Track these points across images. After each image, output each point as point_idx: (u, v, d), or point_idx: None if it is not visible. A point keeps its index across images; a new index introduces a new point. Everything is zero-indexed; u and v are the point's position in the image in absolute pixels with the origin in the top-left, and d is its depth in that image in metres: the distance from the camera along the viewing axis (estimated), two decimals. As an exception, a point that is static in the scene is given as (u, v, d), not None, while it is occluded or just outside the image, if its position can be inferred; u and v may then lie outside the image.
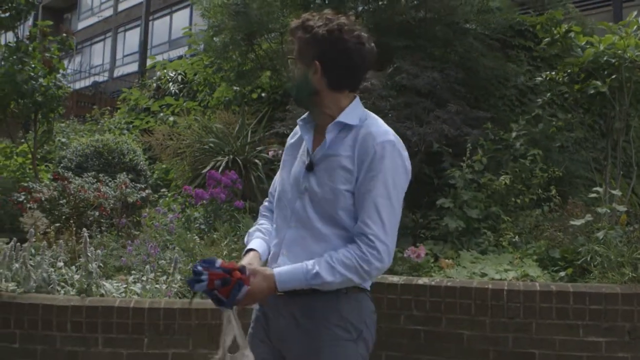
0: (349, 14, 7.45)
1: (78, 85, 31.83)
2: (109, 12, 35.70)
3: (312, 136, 2.33)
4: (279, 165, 6.70)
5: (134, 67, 30.10)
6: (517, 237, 5.67)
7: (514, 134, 6.64)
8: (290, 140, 2.46)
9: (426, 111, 6.49)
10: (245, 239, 2.43)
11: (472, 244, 5.71)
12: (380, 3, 8.14)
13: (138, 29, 28.52)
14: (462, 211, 5.85)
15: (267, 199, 2.57)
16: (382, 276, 4.95)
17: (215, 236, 5.54)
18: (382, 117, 6.43)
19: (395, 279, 4.85)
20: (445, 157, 6.34)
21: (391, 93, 6.47)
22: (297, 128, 2.42)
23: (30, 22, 11.39)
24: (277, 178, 2.49)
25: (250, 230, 2.47)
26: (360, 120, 2.29)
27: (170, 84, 11.11)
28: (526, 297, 4.47)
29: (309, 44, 2.24)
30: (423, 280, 4.77)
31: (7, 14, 8.51)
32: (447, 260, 5.24)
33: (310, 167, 2.27)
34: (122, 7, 34.89)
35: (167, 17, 31.55)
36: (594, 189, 5.74)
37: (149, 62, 16.90)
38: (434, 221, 6.06)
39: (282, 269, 2.16)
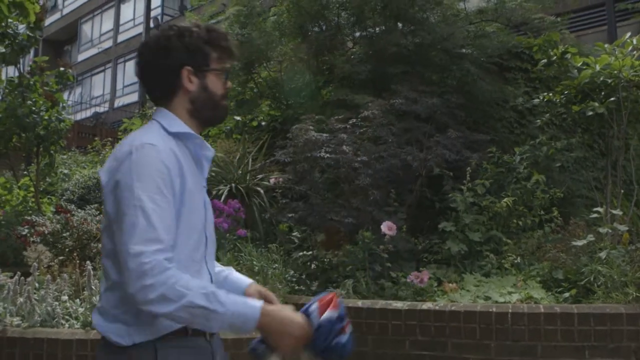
0: (347, 40, 7.54)
1: (79, 116, 32.00)
2: (108, 44, 36.02)
3: None
4: (280, 193, 6.70)
5: (134, 97, 30.30)
6: (519, 259, 5.68)
7: (518, 158, 6.67)
8: (179, 168, 1.92)
9: (426, 136, 6.54)
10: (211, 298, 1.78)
11: (475, 267, 5.72)
12: (376, 29, 8.24)
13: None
14: (464, 234, 5.86)
15: (157, 247, 1.76)
16: (386, 302, 4.96)
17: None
18: (383, 144, 6.44)
19: (399, 304, 4.85)
20: (446, 180, 6.37)
21: (390, 119, 6.53)
22: (175, 150, 1.94)
23: (31, 55, 11.51)
24: (167, 218, 1.82)
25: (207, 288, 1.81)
26: None
27: (171, 113, 11.16)
28: (531, 320, 4.47)
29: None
30: (427, 305, 4.77)
31: (9, 49, 8.60)
32: (450, 284, 5.25)
33: (208, 192, 2.15)
34: (121, 38, 35.21)
35: (167, 47, 31.81)
36: (595, 209, 5.76)
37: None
38: (437, 245, 6.07)
39: None
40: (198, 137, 2.03)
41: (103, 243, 1.93)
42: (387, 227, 5.63)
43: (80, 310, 4.94)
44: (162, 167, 1.84)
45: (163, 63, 2.00)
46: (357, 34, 8.55)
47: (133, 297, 1.74)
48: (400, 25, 8.05)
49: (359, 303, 5.00)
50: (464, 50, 7.43)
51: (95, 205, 7.71)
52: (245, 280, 2.25)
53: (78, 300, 5.17)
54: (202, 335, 1.95)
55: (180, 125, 2.00)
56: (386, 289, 5.33)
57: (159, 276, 1.72)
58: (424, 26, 7.62)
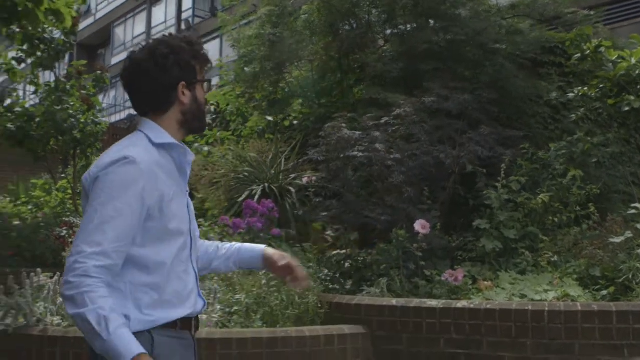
0: (378, 38, 7.53)
1: (114, 118, 32.44)
2: (141, 46, 36.44)
3: None
4: (313, 192, 6.73)
5: (167, 99, 30.53)
6: (556, 256, 5.61)
7: (553, 154, 6.58)
8: (157, 180, 2.04)
9: (458, 133, 6.50)
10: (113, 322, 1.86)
11: (510, 264, 5.66)
12: (407, 27, 8.20)
13: (170, 61, 28.98)
14: (499, 232, 5.81)
15: (95, 250, 1.90)
16: (420, 300, 4.95)
17: (253, 265, 5.57)
18: (416, 142, 6.41)
19: (433, 303, 4.84)
20: (479, 177, 6.32)
21: (423, 117, 6.51)
22: (157, 161, 2.08)
23: (66, 60, 11.72)
24: (123, 227, 1.95)
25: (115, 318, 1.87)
26: None
27: (204, 114, 11.27)
28: (567, 318, 4.42)
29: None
30: (462, 304, 4.74)
31: (46, 54, 8.78)
32: (485, 282, 5.21)
33: (192, 196, 2.31)
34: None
35: (198, 49, 32.01)
36: (633, 204, 5.67)
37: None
38: (471, 243, 6.03)
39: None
40: (182, 146, 2.16)
41: None
42: (420, 226, 5.61)
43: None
44: (137, 182, 1.97)
45: (161, 79, 2.12)
46: (388, 31, 8.52)
47: (61, 284, 1.92)
48: (431, 22, 8.00)
49: (394, 302, 5.00)
50: (497, 46, 7.35)
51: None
52: (259, 246, 2.48)
53: (116, 300, 5.24)
54: (188, 330, 2.15)
55: (165, 137, 2.13)
56: (420, 287, 5.32)
57: (79, 279, 1.87)
58: (456, 22, 7.56)
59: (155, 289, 2.03)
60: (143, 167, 1.99)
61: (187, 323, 2.14)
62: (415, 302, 4.94)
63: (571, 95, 7.10)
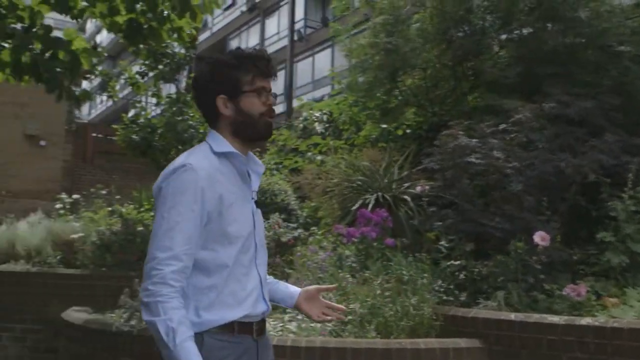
0: (493, 43, 7.35)
1: (229, 128, 33.48)
2: (255, 58, 37.38)
3: None
4: (426, 202, 6.64)
5: (281, 108, 31.29)
6: (690, 272, 5.25)
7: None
8: (215, 186, 2.16)
9: (579, 141, 6.23)
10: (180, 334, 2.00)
11: (638, 280, 5.34)
12: (524, 31, 7.97)
13: (283, 72, 29.60)
14: (625, 245, 5.50)
15: (168, 254, 2.06)
16: (540, 315, 4.78)
17: (367, 274, 5.58)
18: (534, 150, 6.20)
19: (555, 318, 4.65)
20: (604, 187, 6.01)
21: (543, 123, 6.29)
22: (217, 169, 2.21)
23: (186, 72, 12.26)
24: (188, 230, 2.09)
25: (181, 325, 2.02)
26: None
27: (317, 123, 11.42)
28: None
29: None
30: (586, 321, 4.52)
31: (168, 68, 9.22)
32: (611, 299, 4.95)
33: (257, 204, 2.39)
34: (268, 51, 36.42)
35: (310, 59, 32.57)
36: None
37: (295, 103, 17.47)
38: (594, 256, 5.74)
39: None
40: (241, 155, 2.28)
41: None
42: (540, 237, 5.41)
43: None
44: (196, 187, 2.09)
45: (203, 96, 2.31)
46: (503, 36, 8.32)
47: (140, 289, 2.09)
48: (549, 25, 7.74)
49: (512, 316, 4.85)
50: (622, 48, 6.99)
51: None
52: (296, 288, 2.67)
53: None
54: (249, 334, 2.23)
55: (225, 146, 2.26)
56: (539, 301, 5.13)
57: (156, 286, 2.03)
58: (576, 24, 7.27)
59: (213, 290, 2.15)
60: (201, 173, 2.12)
61: (247, 327, 2.22)
62: (534, 317, 4.76)
63: None
